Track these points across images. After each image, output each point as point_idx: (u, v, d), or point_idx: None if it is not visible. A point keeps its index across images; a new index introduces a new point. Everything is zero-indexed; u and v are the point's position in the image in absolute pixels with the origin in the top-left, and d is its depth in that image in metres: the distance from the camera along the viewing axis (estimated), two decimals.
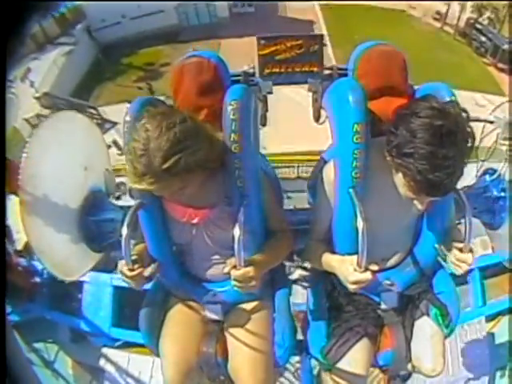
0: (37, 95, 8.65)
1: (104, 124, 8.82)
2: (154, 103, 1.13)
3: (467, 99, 8.85)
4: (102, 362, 3.23)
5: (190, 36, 12.79)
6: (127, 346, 3.25)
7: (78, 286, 3.26)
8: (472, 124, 0.98)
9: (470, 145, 0.96)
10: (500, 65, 11.86)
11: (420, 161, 0.93)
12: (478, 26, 12.68)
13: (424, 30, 12.94)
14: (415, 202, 1.07)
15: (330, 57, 11.87)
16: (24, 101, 8.24)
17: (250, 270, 1.04)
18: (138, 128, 0.96)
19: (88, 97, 10.38)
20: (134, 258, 1.12)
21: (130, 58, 12.36)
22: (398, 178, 1.04)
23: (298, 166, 7.39)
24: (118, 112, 9.20)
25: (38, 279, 3.44)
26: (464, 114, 0.96)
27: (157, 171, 0.93)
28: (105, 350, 3.28)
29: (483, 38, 12.48)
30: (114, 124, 8.82)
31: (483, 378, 3.00)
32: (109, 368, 3.21)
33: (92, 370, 3.35)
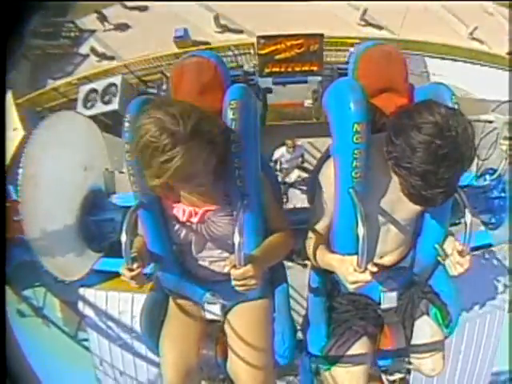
0: None
1: (82, 35, 8.75)
2: (151, 102, 1.13)
3: (476, 5, 8.67)
4: (80, 305, 3.06)
5: None
6: (107, 278, 3.04)
7: None
8: (472, 124, 0.97)
9: (470, 159, 0.95)
10: None
11: (415, 177, 0.94)
12: None
13: None
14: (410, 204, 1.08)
15: None
16: None
17: (250, 268, 1.04)
18: (144, 123, 0.95)
19: (67, 14, 9.56)
20: (133, 255, 1.12)
21: None
22: (396, 178, 1.05)
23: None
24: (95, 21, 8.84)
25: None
26: (469, 128, 0.93)
27: (186, 134, 0.93)
28: (82, 291, 3.08)
29: None
30: (92, 32, 8.76)
31: None
32: (88, 311, 3.04)
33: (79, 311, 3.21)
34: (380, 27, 8.51)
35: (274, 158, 5.77)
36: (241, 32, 8.38)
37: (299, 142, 6.06)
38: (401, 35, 8.10)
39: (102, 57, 8.30)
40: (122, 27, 8.79)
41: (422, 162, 0.92)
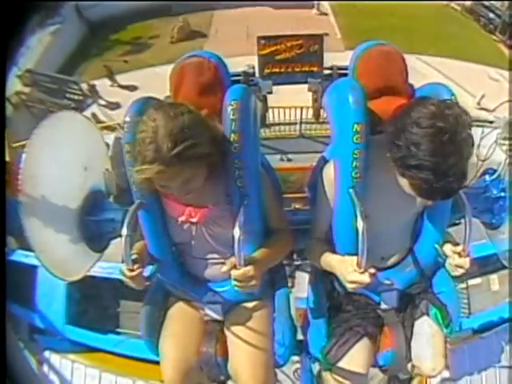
0: (19, 73, 8.39)
1: (86, 100, 8.79)
2: (153, 102, 1.13)
3: (480, 72, 8.69)
4: (45, 368, 2.89)
5: (183, 8, 12.03)
6: (82, 351, 2.95)
7: (32, 271, 2.89)
8: (472, 124, 0.98)
9: (471, 145, 0.96)
10: (510, 42, 11.31)
11: (425, 171, 0.93)
12: (486, 3, 12.14)
13: (431, 4, 12.18)
14: (419, 198, 1.07)
15: (332, 24, 11.42)
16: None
17: (250, 269, 1.04)
18: (144, 120, 0.97)
19: (72, 73, 9.96)
20: (134, 257, 1.12)
21: (119, 34, 11.81)
22: (403, 181, 1.04)
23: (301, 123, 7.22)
24: (102, 86, 9.06)
25: None
26: (465, 115, 0.95)
27: (166, 157, 0.93)
28: (47, 355, 2.93)
29: (491, 15, 11.98)
30: (96, 99, 8.80)
31: None
32: (53, 378, 2.87)
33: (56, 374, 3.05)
34: None
35: None
36: None
37: None
38: None
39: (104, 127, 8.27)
40: (131, 88, 8.87)
41: (429, 155, 0.92)
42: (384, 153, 1.05)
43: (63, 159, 1.51)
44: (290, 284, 1.57)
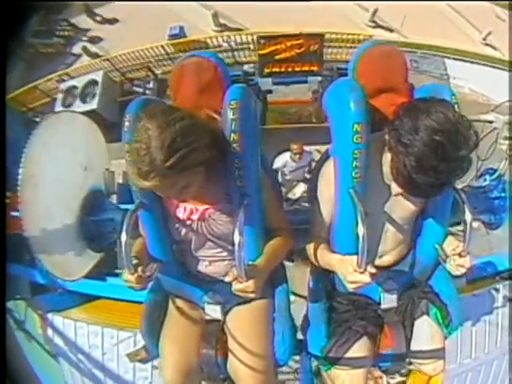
0: None
1: (76, 33, 8.54)
2: (152, 103, 1.13)
3: (487, 10, 8.40)
4: (49, 332, 2.86)
5: None
6: (83, 302, 2.92)
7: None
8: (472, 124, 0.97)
9: (465, 169, 0.95)
10: None
11: (410, 156, 0.93)
12: None
13: None
14: (392, 184, 1.07)
15: None
16: None
17: (251, 284, 1.04)
18: (138, 128, 0.96)
19: (61, 12, 9.22)
20: (134, 262, 1.12)
21: None
22: (386, 157, 1.04)
23: None
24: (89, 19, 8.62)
25: None
26: (471, 132, 0.94)
27: (160, 169, 0.93)
28: (50, 317, 2.88)
29: None
30: (86, 31, 8.55)
31: None
32: (57, 340, 2.84)
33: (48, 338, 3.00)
34: (390, 30, 8.31)
35: (275, 166, 4.45)
36: (240, 31, 8.24)
37: (307, 147, 4.69)
38: (412, 38, 7.94)
39: (94, 56, 8.09)
40: (113, 22, 8.56)
41: (422, 143, 0.91)
42: (383, 149, 1.05)
43: (63, 159, 1.51)
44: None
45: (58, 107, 6.80)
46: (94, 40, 8.46)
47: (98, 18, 8.65)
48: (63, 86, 7.20)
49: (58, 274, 1.49)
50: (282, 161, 4.54)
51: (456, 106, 1.07)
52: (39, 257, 1.41)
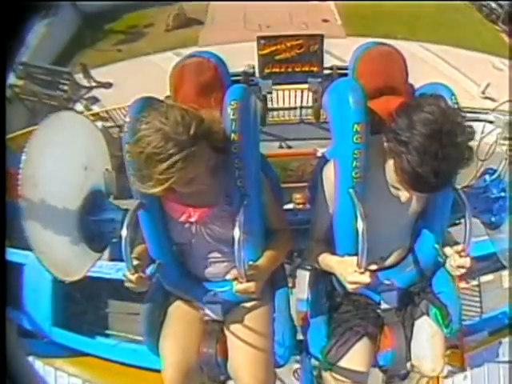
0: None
1: (79, 89, 8.58)
2: (153, 102, 1.13)
3: (484, 61, 8.55)
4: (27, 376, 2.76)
5: None
6: (69, 355, 2.80)
7: (19, 269, 2.75)
8: (472, 124, 0.98)
9: (466, 156, 0.97)
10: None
11: (412, 152, 0.94)
12: None
13: None
14: (399, 193, 1.08)
15: (333, 10, 10.52)
16: None
17: (252, 284, 1.05)
18: (146, 131, 0.95)
19: (67, 65, 9.56)
20: (135, 263, 1.12)
21: (113, 24, 11.34)
22: (389, 165, 1.05)
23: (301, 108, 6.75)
24: (97, 75, 8.84)
25: None
26: (464, 119, 0.96)
27: (187, 142, 0.94)
28: (31, 360, 2.67)
29: (494, 5, 11.75)
30: (90, 89, 8.63)
31: None
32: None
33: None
34: None
35: None
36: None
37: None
38: None
39: (97, 116, 7.94)
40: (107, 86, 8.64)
41: (420, 136, 0.93)
42: (383, 151, 1.05)
43: (63, 159, 1.51)
44: (290, 284, 1.56)
45: None
46: (95, 99, 8.51)
47: (93, 83, 8.65)
48: None
49: (58, 274, 1.48)
50: None
51: (456, 106, 1.08)
52: (39, 257, 1.41)
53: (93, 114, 7.46)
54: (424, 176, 0.95)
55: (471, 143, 0.98)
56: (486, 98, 8.05)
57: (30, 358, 2.72)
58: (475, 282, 3.66)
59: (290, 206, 4.03)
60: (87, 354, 3.05)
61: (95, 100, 8.52)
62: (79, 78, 8.75)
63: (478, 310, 3.69)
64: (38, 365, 2.76)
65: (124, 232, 1.09)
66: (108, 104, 8.09)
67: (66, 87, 8.54)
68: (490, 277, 3.68)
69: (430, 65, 8.20)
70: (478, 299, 3.72)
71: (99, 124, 6.88)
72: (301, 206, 3.77)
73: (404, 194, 1.07)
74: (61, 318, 2.97)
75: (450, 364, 2.91)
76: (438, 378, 1.47)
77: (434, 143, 0.92)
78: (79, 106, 8.37)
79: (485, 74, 8.23)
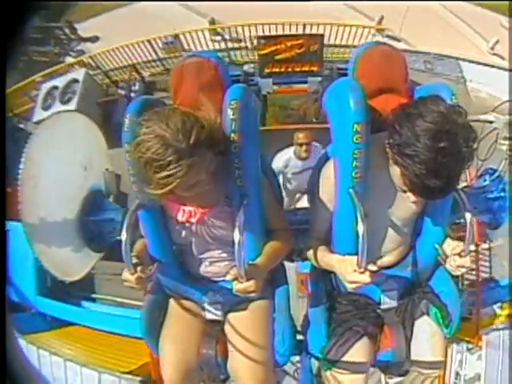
0: None
1: (70, 43, 8.28)
2: (152, 103, 1.13)
3: (492, 19, 8.47)
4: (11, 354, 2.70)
5: None
6: (55, 327, 2.73)
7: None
8: (472, 124, 0.98)
9: (470, 153, 0.96)
10: None
11: (419, 165, 0.93)
12: None
13: None
14: (408, 194, 1.08)
15: None
16: None
17: (252, 284, 1.05)
18: (145, 136, 0.95)
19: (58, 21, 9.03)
20: (134, 261, 1.12)
21: None
22: (395, 170, 1.05)
23: None
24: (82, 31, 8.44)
25: None
26: (466, 119, 0.96)
27: (187, 150, 0.93)
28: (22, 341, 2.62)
29: None
30: (80, 41, 8.25)
31: None
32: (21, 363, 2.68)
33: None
34: (397, 39, 8.20)
35: (274, 166, 3.10)
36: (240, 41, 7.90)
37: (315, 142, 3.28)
38: (417, 47, 7.84)
39: (81, 63, 7.69)
40: (94, 40, 8.29)
41: (427, 149, 0.92)
42: (383, 151, 1.05)
43: (63, 159, 1.51)
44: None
45: (38, 110, 6.40)
46: (84, 52, 8.18)
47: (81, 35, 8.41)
48: (44, 87, 6.67)
49: (59, 274, 1.49)
50: (284, 158, 3.29)
51: (456, 105, 1.08)
52: (39, 257, 1.41)
53: (78, 62, 7.32)
54: (433, 186, 0.95)
55: (474, 137, 0.97)
56: (495, 54, 7.89)
57: (21, 341, 2.64)
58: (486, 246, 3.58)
59: (291, 150, 3.35)
60: (73, 324, 2.95)
61: (84, 53, 8.14)
62: (72, 30, 8.38)
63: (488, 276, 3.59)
64: (21, 344, 2.62)
65: (123, 234, 1.09)
66: (102, 57, 7.66)
67: (57, 41, 8.24)
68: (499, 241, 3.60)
69: (440, 17, 7.98)
70: (487, 264, 3.64)
71: (82, 70, 6.77)
72: (304, 149, 3.21)
73: (411, 197, 1.07)
74: (45, 286, 2.86)
75: (464, 340, 2.87)
76: (442, 378, 1.47)
77: (441, 155, 0.91)
78: (71, 59, 8.00)
79: (493, 32, 8.01)
